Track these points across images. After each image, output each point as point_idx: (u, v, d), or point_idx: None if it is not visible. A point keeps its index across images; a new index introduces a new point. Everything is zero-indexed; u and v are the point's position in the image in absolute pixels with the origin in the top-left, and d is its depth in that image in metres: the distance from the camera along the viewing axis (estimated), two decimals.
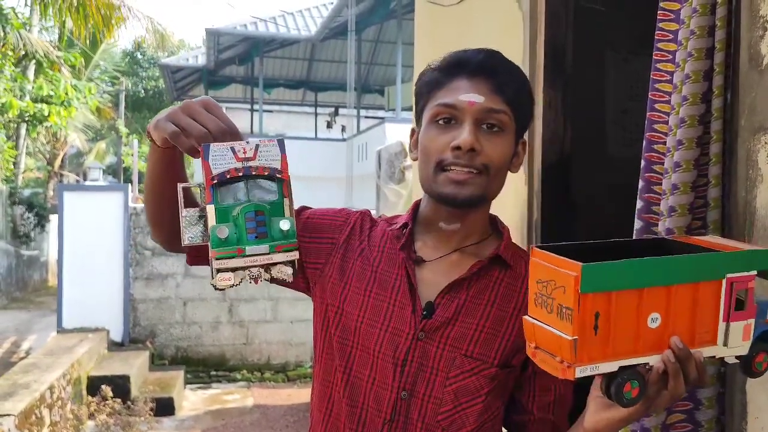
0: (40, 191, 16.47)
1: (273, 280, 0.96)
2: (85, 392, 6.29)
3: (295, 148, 17.25)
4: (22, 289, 13.66)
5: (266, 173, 0.94)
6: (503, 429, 1.24)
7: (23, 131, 14.13)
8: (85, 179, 15.53)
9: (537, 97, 2.25)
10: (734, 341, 0.91)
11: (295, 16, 16.43)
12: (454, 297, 1.14)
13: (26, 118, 10.87)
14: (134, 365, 6.93)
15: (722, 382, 1.36)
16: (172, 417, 6.54)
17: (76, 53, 11.70)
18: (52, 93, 10.49)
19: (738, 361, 0.93)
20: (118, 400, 6.31)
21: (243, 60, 17.52)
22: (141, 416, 6.25)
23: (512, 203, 2.35)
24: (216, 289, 0.93)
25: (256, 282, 0.92)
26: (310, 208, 1.29)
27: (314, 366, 1.25)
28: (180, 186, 0.96)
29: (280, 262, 0.93)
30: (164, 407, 6.54)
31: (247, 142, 0.95)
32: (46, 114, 10.43)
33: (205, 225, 0.94)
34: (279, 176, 0.95)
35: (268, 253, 0.92)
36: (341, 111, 18.26)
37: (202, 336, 8.22)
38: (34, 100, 10.55)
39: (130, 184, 9.90)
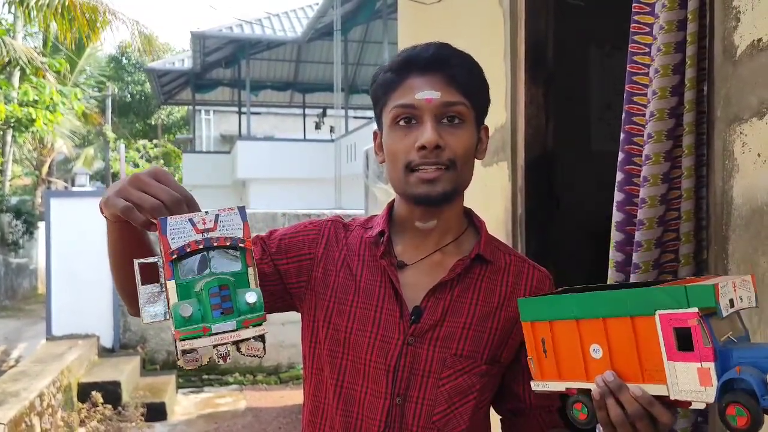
0: (28, 198, 16.37)
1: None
2: (75, 399, 6.25)
3: (283, 149, 17.09)
4: (12, 298, 13.56)
5: (228, 243, 0.89)
6: (495, 415, 1.25)
7: (9, 138, 14.04)
8: (73, 185, 15.47)
9: (518, 94, 2.26)
10: (686, 384, 0.84)
11: (280, 18, 16.40)
12: (439, 298, 1.15)
13: (12, 124, 10.79)
14: (125, 371, 6.89)
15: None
16: (164, 422, 6.51)
17: (60, 59, 11.65)
18: (37, 98, 10.42)
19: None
20: (109, 406, 6.27)
21: (229, 63, 17.48)
22: (132, 422, 6.22)
23: (496, 199, 2.36)
24: (183, 369, 0.88)
25: (225, 360, 0.87)
26: (278, 229, 1.28)
27: (304, 383, 1.25)
28: (136, 262, 0.91)
29: (248, 338, 0.87)
30: (156, 412, 6.50)
31: (206, 213, 0.90)
32: (32, 118, 10.35)
33: (167, 301, 0.89)
34: (242, 246, 0.90)
35: (236, 330, 0.86)
36: (329, 112, 18.24)
37: None
38: (21, 105, 10.48)
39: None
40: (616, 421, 0.90)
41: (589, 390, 0.92)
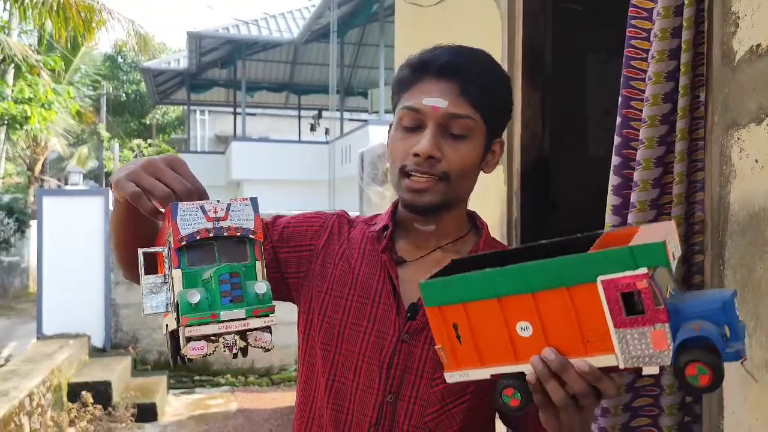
0: (20, 197, 16.27)
1: (245, 351, 0.88)
2: (65, 399, 6.20)
3: (278, 151, 17.09)
4: (3, 296, 13.49)
5: (239, 234, 0.88)
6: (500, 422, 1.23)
7: (2, 136, 13.98)
8: (66, 184, 15.36)
9: (515, 97, 2.26)
10: (639, 350, 0.78)
11: (277, 19, 16.39)
12: None
13: (6, 121, 10.75)
14: (116, 371, 6.85)
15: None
16: (155, 423, 6.47)
17: (56, 57, 11.63)
18: (32, 96, 10.39)
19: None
20: (99, 406, 6.22)
21: (225, 63, 17.46)
22: (122, 422, 6.18)
23: (492, 202, 2.36)
24: (186, 359, 0.85)
25: (231, 350, 0.85)
26: (284, 216, 1.27)
27: (298, 376, 1.24)
28: (140, 251, 0.89)
29: (257, 328, 0.86)
30: (146, 413, 6.46)
31: (218, 201, 0.88)
32: (27, 116, 10.31)
33: (168, 292, 0.88)
34: (252, 237, 0.89)
35: (245, 318, 0.84)
36: (324, 114, 18.24)
37: None
38: (16, 103, 10.45)
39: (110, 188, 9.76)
40: (560, 402, 0.84)
41: (520, 373, 0.86)
